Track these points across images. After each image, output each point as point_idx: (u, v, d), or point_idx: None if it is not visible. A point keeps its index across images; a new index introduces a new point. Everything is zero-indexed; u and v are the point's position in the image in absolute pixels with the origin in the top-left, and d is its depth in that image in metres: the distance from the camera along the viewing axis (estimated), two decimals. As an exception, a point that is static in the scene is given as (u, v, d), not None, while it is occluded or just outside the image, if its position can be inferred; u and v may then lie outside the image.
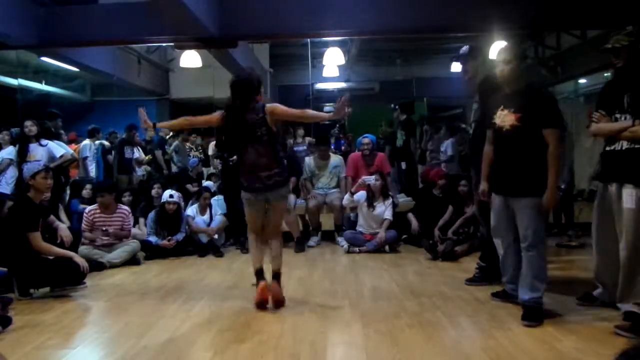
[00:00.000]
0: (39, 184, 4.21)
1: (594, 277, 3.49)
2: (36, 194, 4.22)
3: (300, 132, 9.14)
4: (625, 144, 3.04)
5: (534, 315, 3.17)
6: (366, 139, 6.44)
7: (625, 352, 0.85)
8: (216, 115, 3.68)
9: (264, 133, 3.50)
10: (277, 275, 3.71)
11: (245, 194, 3.72)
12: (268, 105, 3.52)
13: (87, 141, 8.02)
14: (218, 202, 6.30)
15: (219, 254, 5.73)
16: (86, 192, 6.60)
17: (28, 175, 4.22)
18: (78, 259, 4.24)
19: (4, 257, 4.17)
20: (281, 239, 3.82)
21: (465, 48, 4.25)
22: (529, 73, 3.45)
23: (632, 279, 3.02)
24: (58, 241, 4.36)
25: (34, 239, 4.10)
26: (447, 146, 7.58)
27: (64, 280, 4.18)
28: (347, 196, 5.98)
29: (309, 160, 6.54)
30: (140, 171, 8.56)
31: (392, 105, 9.29)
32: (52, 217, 4.64)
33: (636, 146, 2.99)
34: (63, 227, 4.52)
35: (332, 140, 10.01)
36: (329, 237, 6.39)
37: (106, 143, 8.50)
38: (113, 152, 8.43)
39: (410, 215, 5.96)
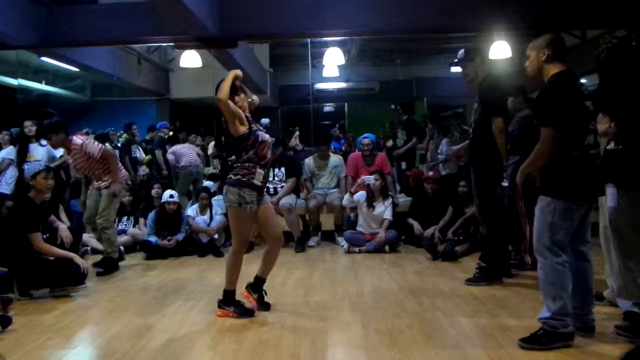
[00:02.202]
0: (39, 184, 4.21)
1: (606, 277, 3.50)
2: (37, 195, 4.22)
3: (296, 133, 9.14)
4: (612, 145, 3.07)
5: (535, 338, 2.81)
6: (366, 139, 6.44)
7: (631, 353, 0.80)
8: None
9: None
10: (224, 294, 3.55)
11: None
12: None
13: None
14: (218, 202, 6.30)
15: (219, 254, 5.72)
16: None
17: (29, 175, 4.22)
18: (79, 260, 4.23)
19: (4, 257, 4.18)
20: (234, 253, 3.54)
21: (461, 52, 4.30)
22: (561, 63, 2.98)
23: (623, 275, 3.07)
24: (58, 242, 4.36)
25: (35, 240, 4.10)
26: (441, 147, 7.59)
27: (64, 280, 4.18)
28: (346, 196, 5.98)
29: (309, 161, 6.53)
30: (141, 171, 8.57)
31: (393, 106, 9.28)
32: (52, 217, 4.64)
33: (619, 147, 3.01)
34: (63, 228, 4.53)
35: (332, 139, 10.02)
36: (329, 237, 6.39)
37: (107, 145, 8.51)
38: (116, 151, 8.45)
39: (411, 220, 5.95)
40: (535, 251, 2.92)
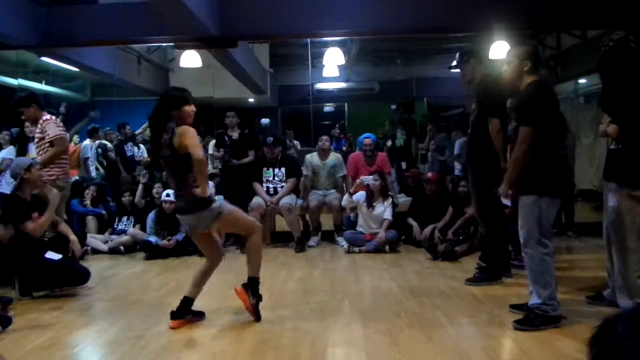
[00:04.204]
0: (33, 175, 4.14)
1: (606, 276, 3.51)
2: (29, 190, 4.16)
3: (290, 132, 9.14)
4: (614, 144, 3.17)
5: (528, 320, 3.06)
6: (368, 139, 6.41)
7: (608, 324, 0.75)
8: None
9: (167, 154, 3.22)
10: (252, 282, 3.42)
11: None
12: (179, 128, 3.17)
13: (87, 141, 8.03)
14: (219, 202, 6.30)
15: (218, 254, 5.72)
16: (89, 193, 6.57)
17: (19, 170, 4.12)
18: (72, 236, 4.26)
19: (8, 256, 4.16)
20: (255, 234, 3.45)
21: (457, 55, 4.39)
22: (538, 71, 3.29)
23: (623, 274, 3.09)
24: (70, 254, 4.31)
25: (26, 227, 4.02)
26: (457, 145, 7.58)
27: (67, 282, 4.17)
28: (346, 197, 5.97)
29: (311, 158, 6.52)
30: (137, 171, 8.54)
31: (394, 106, 9.27)
32: (56, 217, 4.58)
33: (619, 146, 3.11)
34: (74, 240, 4.40)
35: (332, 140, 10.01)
36: (329, 237, 6.38)
37: (108, 144, 8.51)
38: (112, 151, 8.44)
39: (411, 220, 5.95)
40: (524, 245, 3.12)
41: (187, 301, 3.39)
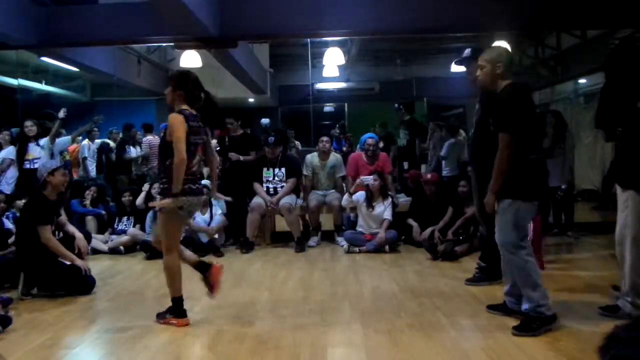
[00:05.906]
0: (58, 180, 4.20)
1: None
2: (52, 191, 4.21)
3: (291, 132, 9.15)
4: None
5: (526, 325, 3.01)
6: (371, 139, 6.40)
7: (615, 334, 0.79)
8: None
9: (206, 140, 3.45)
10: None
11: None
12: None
13: (85, 141, 8.04)
14: (218, 202, 6.30)
15: (219, 254, 5.72)
16: (89, 193, 6.55)
17: (45, 172, 4.18)
18: (79, 262, 4.22)
19: (21, 254, 4.17)
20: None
21: (467, 51, 4.29)
22: (518, 74, 3.26)
23: (629, 277, 3.09)
24: (76, 251, 4.32)
25: (44, 232, 4.07)
26: (445, 147, 7.60)
27: (74, 289, 4.17)
28: (346, 197, 5.97)
29: (311, 158, 6.51)
30: (135, 171, 8.54)
31: (397, 105, 9.26)
32: (62, 218, 4.60)
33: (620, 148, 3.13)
34: (80, 237, 4.43)
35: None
36: (329, 237, 6.38)
37: (111, 143, 8.52)
38: (114, 151, 8.45)
39: (411, 221, 5.95)
40: (500, 247, 3.14)
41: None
